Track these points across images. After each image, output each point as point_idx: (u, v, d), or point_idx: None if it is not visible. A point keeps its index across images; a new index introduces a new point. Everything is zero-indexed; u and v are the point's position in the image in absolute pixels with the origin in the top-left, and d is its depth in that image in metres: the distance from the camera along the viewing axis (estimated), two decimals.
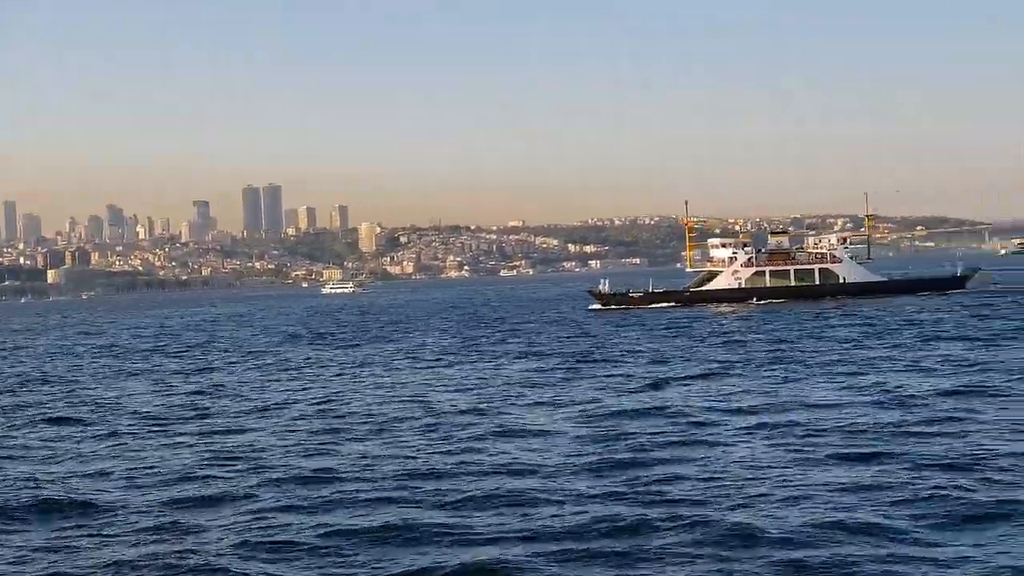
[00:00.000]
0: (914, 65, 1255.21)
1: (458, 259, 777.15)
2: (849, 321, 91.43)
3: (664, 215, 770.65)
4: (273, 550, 23.53)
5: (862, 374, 51.52)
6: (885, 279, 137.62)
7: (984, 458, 29.61)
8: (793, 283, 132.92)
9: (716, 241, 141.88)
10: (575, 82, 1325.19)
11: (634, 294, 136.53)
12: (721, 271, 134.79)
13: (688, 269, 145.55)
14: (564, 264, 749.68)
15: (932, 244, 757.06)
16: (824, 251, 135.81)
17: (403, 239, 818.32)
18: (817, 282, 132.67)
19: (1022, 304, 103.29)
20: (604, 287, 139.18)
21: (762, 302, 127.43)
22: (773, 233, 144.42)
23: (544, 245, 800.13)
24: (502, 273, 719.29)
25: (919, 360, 56.62)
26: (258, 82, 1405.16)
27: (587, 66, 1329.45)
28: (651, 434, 36.38)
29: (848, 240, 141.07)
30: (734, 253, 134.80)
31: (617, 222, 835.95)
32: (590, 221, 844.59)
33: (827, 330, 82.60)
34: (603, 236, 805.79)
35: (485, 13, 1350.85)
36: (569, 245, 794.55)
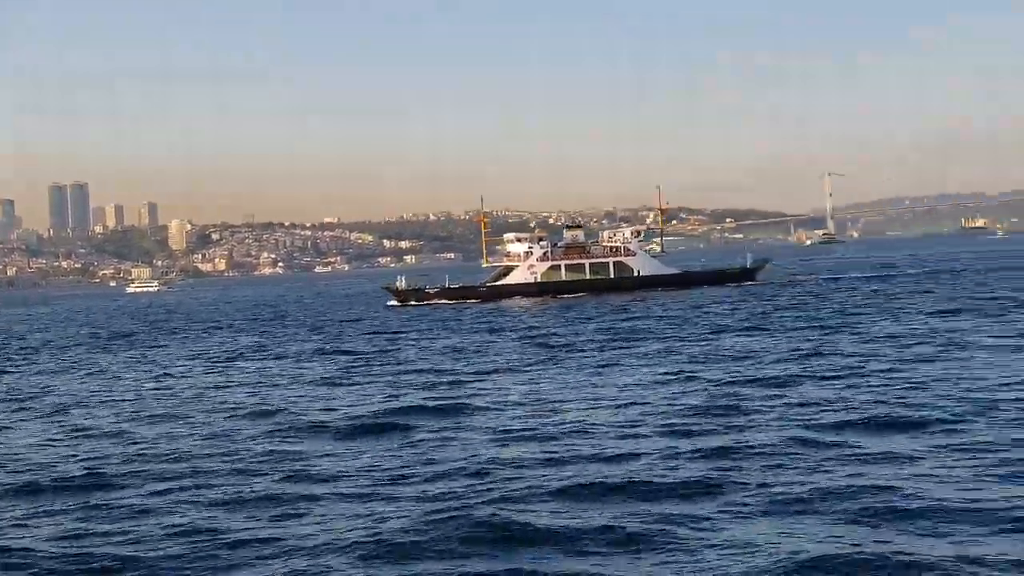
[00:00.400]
0: None
1: (272, 256, 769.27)
2: (642, 313, 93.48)
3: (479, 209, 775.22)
4: (10, 557, 23.12)
5: (648, 367, 52.74)
6: (678, 272, 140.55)
7: (754, 447, 30.63)
8: (588, 276, 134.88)
9: (511, 236, 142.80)
10: (575, 82, 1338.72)
11: (430, 290, 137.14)
12: (517, 266, 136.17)
13: (484, 264, 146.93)
14: (380, 260, 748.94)
15: (741, 236, 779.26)
16: (618, 244, 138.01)
17: (215, 236, 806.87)
18: (612, 275, 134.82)
19: (810, 293, 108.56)
20: (401, 284, 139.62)
21: (559, 296, 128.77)
22: (569, 227, 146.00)
23: (359, 241, 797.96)
24: (317, 270, 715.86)
25: (707, 352, 58.30)
26: (258, 81, 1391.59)
27: (587, 66, 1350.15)
28: (431, 431, 36.73)
29: (642, 233, 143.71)
30: (529, 248, 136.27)
31: (432, 217, 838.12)
32: (405, 216, 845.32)
33: (618, 323, 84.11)
34: (418, 231, 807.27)
35: (485, 13, 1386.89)
36: (384, 241, 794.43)
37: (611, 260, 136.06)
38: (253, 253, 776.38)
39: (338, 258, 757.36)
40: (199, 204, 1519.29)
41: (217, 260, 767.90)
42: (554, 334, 77.87)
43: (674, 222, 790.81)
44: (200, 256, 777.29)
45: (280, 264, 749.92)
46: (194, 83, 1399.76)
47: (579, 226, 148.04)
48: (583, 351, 63.45)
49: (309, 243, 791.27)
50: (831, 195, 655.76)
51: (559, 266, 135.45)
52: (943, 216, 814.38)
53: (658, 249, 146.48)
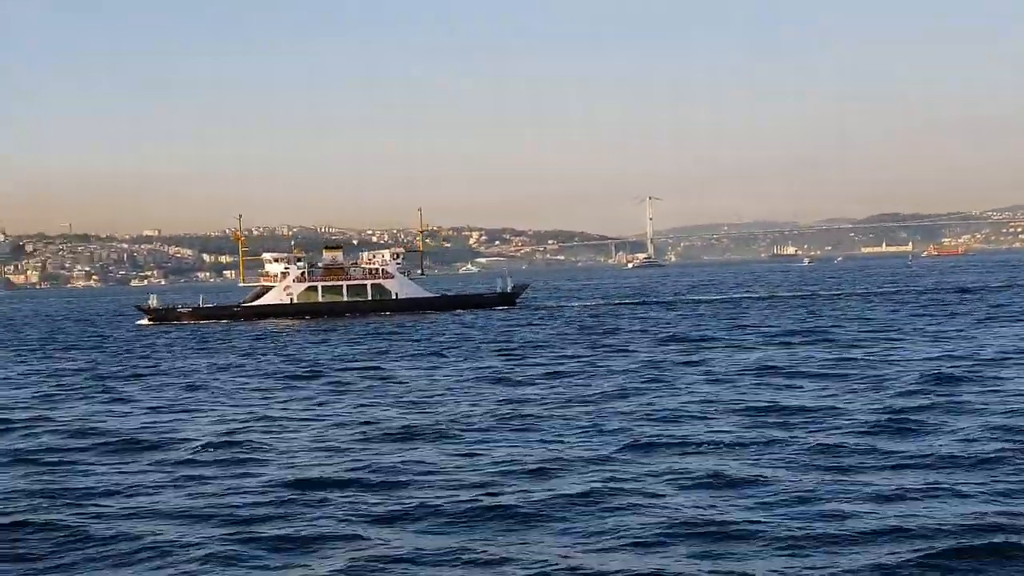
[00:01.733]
0: None
1: (87, 269, 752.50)
2: (405, 338, 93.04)
3: (304, 226, 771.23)
4: None
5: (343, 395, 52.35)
6: (437, 295, 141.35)
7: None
8: (346, 298, 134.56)
9: (269, 256, 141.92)
10: None
11: (183, 310, 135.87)
12: (274, 286, 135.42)
13: (241, 284, 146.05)
14: (199, 274, 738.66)
15: (563, 257, 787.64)
16: (377, 267, 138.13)
17: (29, 247, 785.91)
18: (370, 297, 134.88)
19: (561, 320, 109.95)
20: (153, 303, 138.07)
21: (315, 317, 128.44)
22: (327, 248, 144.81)
23: (178, 255, 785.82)
24: (133, 283, 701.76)
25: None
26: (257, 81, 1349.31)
27: None
28: (107, 466, 35.23)
29: (400, 256, 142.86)
30: (286, 268, 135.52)
31: (256, 232, 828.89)
32: (227, 231, 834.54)
33: (355, 346, 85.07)
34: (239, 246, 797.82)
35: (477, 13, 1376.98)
36: (204, 255, 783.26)
37: (369, 282, 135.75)
38: (67, 266, 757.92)
39: (155, 271, 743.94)
40: (13, 215, 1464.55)
41: (30, 272, 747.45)
42: (291, 356, 77.48)
43: (497, 243, 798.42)
44: (13, 267, 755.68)
45: (95, 277, 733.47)
46: None
47: (338, 247, 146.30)
48: (322, 375, 62.83)
49: (125, 256, 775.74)
50: (651, 219, 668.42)
51: (316, 287, 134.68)
52: (759, 242, 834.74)
53: (419, 272, 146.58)
